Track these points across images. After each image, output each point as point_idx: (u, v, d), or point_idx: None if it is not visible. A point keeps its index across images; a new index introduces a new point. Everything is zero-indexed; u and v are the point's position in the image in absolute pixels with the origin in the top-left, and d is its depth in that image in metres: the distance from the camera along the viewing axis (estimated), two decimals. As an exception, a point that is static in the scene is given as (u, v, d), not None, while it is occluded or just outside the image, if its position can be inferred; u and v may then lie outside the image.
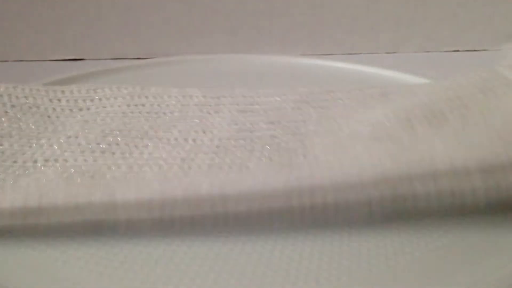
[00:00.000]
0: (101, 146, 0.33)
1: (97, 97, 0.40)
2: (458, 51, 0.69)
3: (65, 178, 0.29)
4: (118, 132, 0.35)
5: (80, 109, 0.39)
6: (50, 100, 0.39)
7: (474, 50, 0.69)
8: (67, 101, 0.40)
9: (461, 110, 0.34)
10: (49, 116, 0.38)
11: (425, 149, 0.29)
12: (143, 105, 0.40)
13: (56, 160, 0.32)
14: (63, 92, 0.40)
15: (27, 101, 0.39)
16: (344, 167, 0.27)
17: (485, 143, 0.28)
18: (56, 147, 0.33)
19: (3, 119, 0.36)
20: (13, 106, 0.38)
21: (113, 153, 0.33)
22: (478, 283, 0.23)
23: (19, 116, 0.37)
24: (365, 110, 0.38)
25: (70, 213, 0.26)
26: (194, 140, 0.35)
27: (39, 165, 0.31)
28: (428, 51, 0.69)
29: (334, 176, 0.26)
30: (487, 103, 0.34)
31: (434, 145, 0.29)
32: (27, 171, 0.31)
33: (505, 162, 0.26)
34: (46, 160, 0.32)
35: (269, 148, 0.34)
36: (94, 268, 0.25)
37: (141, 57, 0.67)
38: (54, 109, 0.39)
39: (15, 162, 0.32)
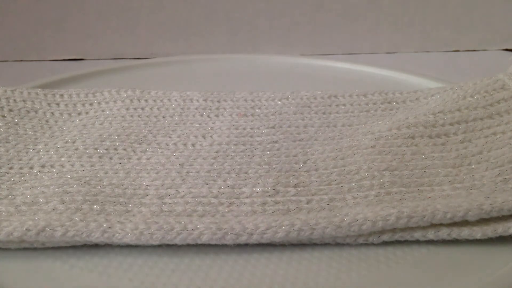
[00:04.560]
0: (98, 151, 0.33)
1: (96, 101, 0.40)
2: (458, 51, 0.69)
3: (61, 199, 0.28)
4: (116, 137, 0.35)
5: (79, 113, 0.39)
6: (49, 104, 0.39)
7: (474, 50, 0.69)
8: (66, 105, 0.40)
9: (466, 134, 0.34)
10: (47, 121, 0.38)
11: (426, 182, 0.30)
12: (142, 108, 0.40)
13: (52, 166, 0.32)
14: (62, 96, 0.40)
15: (25, 105, 0.38)
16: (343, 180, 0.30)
17: (485, 186, 0.29)
18: (53, 153, 0.33)
19: (0, 123, 0.36)
20: (10, 110, 0.38)
21: (111, 158, 0.33)
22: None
23: (16, 120, 0.37)
24: (367, 120, 0.38)
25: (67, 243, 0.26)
26: (193, 145, 0.35)
27: (35, 171, 0.31)
28: (428, 51, 0.69)
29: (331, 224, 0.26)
30: (493, 129, 0.34)
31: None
32: (23, 178, 0.31)
33: (504, 207, 0.26)
34: (43, 166, 0.32)
35: (269, 153, 0.33)
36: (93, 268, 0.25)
37: (141, 57, 0.67)
38: (52, 113, 0.39)
39: (11, 168, 0.31)
